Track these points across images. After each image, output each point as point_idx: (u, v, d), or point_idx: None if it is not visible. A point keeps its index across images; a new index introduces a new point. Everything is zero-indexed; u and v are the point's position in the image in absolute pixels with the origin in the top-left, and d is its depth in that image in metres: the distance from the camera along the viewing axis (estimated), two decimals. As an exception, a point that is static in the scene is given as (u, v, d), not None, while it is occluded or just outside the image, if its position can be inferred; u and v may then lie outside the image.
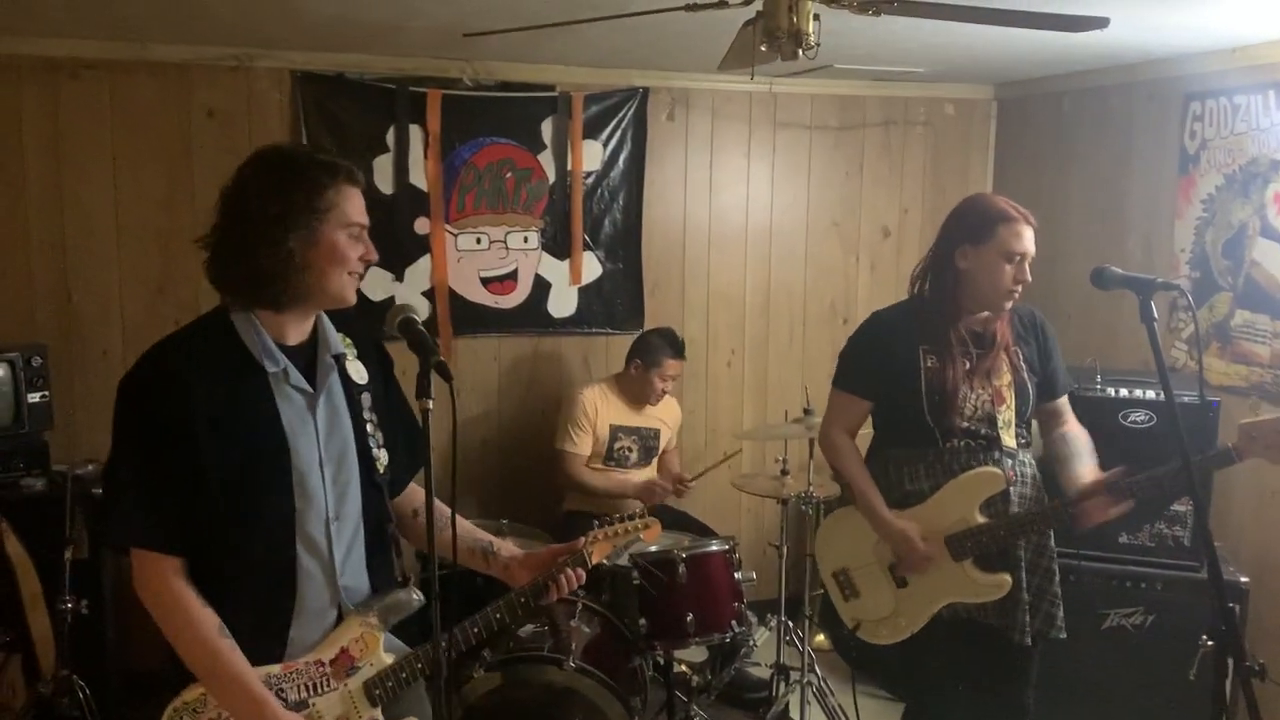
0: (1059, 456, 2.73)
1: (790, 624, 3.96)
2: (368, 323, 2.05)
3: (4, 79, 3.90)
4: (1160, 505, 3.43)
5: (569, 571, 2.06)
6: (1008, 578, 2.62)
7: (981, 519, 2.62)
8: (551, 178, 4.53)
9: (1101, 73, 4.37)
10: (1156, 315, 2.05)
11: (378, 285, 4.29)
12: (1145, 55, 4.00)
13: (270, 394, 1.82)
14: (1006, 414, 2.65)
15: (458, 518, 2.06)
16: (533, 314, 4.60)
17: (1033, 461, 2.76)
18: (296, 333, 1.88)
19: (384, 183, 4.33)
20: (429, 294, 4.42)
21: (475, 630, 2.03)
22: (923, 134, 5.08)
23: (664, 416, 4.37)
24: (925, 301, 2.73)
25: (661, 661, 3.49)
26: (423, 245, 4.41)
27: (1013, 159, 5.05)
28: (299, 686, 1.88)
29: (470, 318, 4.51)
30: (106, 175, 4.08)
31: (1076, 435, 2.76)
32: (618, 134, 4.61)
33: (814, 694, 3.74)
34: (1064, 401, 2.81)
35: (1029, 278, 2.60)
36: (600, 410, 4.24)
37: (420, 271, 4.41)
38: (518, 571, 2.07)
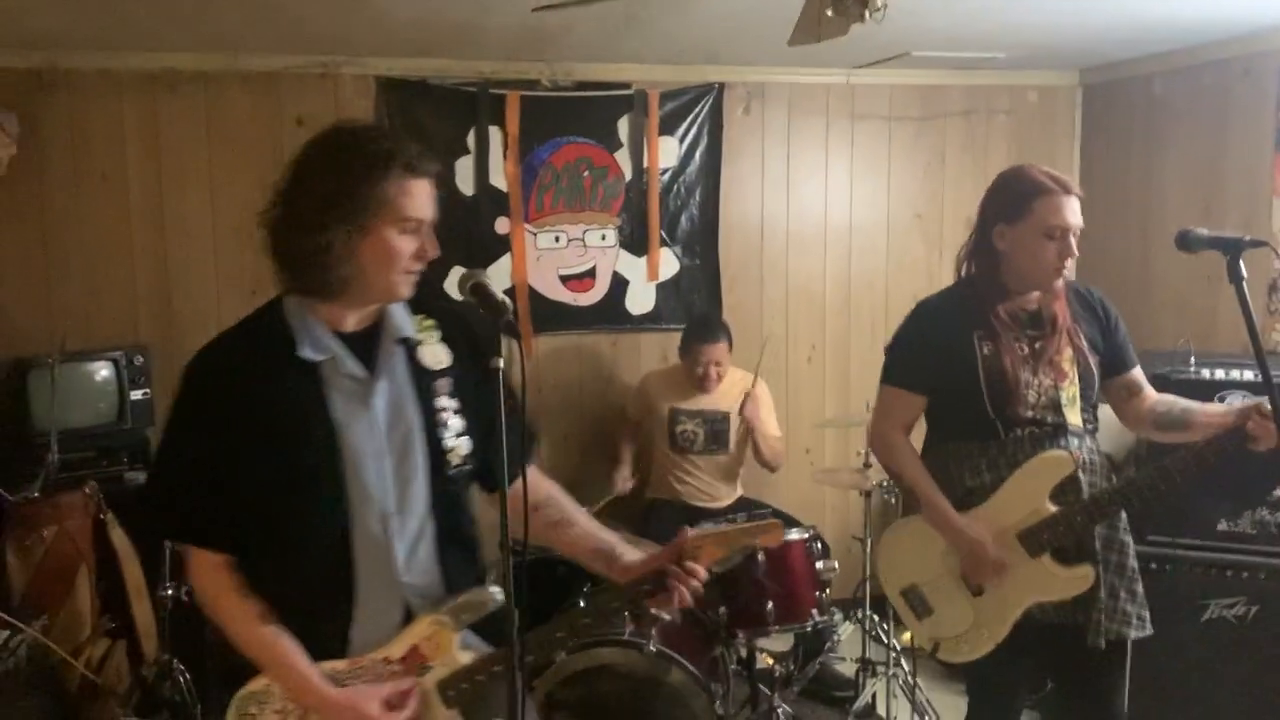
0: (1169, 416, 2.50)
1: (875, 618, 3.90)
2: (463, 305, 1.84)
3: (108, 93, 4.11)
4: (1263, 488, 3.28)
5: (682, 581, 1.79)
6: (1090, 569, 2.40)
7: (1053, 508, 2.41)
8: (628, 175, 4.57)
9: (1190, 52, 4.24)
10: (1246, 275, 1.97)
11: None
12: (1236, 30, 3.87)
13: (318, 384, 1.73)
14: (1070, 390, 2.47)
15: (584, 515, 1.99)
16: (611, 311, 4.64)
17: (1098, 446, 2.56)
18: (356, 318, 1.78)
19: (465, 184, 4.43)
20: (510, 292, 4.49)
21: (559, 635, 1.86)
22: (1005, 123, 4.98)
23: (734, 400, 4.25)
24: (971, 285, 2.55)
25: (744, 653, 3.47)
26: (503, 245, 4.49)
27: (1100, 146, 4.92)
28: (365, 683, 1.77)
29: (550, 315, 4.57)
30: (203, 184, 4.25)
31: (1171, 396, 2.56)
32: (693, 130, 4.63)
33: (901, 687, 3.67)
34: (1139, 372, 2.60)
35: (1075, 251, 2.40)
36: (661, 392, 4.25)
37: (501, 271, 4.48)
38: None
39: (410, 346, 1.81)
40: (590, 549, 1.94)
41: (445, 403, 1.81)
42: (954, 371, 2.47)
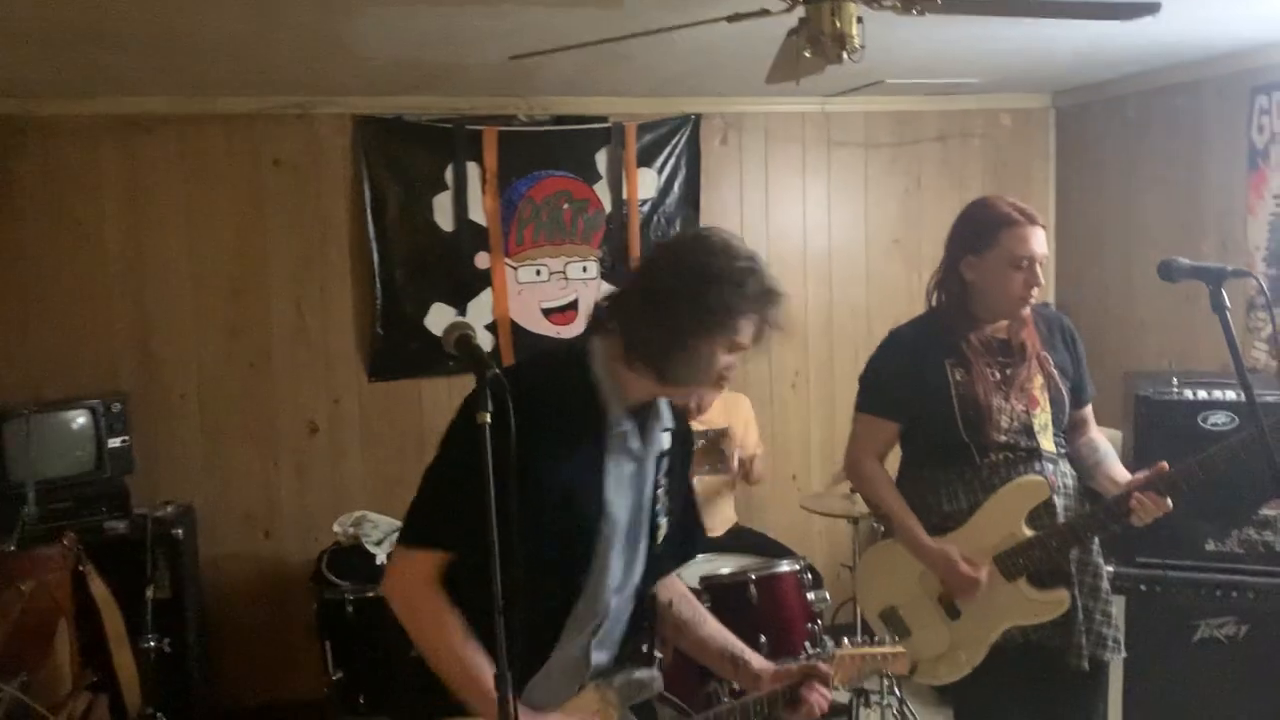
0: (1087, 464, 2.59)
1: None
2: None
3: (82, 137, 4.08)
4: (1247, 506, 3.29)
5: (818, 691, 1.87)
6: (1066, 594, 2.44)
7: (1029, 532, 2.44)
8: (608, 207, 4.58)
9: (1162, 73, 4.29)
10: (1229, 305, 1.98)
11: (440, 320, 4.37)
12: (1208, 51, 3.91)
13: (604, 452, 1.75)
14: (1042, 417, 2.51)
15: (711, 618, 2.00)
16: (595, 343, 4.61)
17: (1072, 471, 2.60)
18: (639, 394, 1.79)
19: (444, 220, 4.42)
20: (491, 327, 4.48)
21: None
22: (981, 146, 5.02)
23: (727, 413, 4.25)
24: (942, 314, 2.59)
25: (738, 686, 3.44)
26: (484, 279, 4.47)
27: (1074, 167, 4.96)
28: None
29: (533, 349, 4.55)
30: (181, 226, 4.22)
31: (1100, 441, 2.64)
32: (671, 161, 4.64)
33: (894, 716, 3.65)
34: (1089, 410, 2.68)
35: (1041, 281, 2.46)
36: None
37: (482, 305, 4.47)
38: (767, 686, 1.91)
39: (665, 429, 1.86)
40: (717, 651, 1.96)
41: (663, 481, 1.86)
42: (927, 398, 2.51)
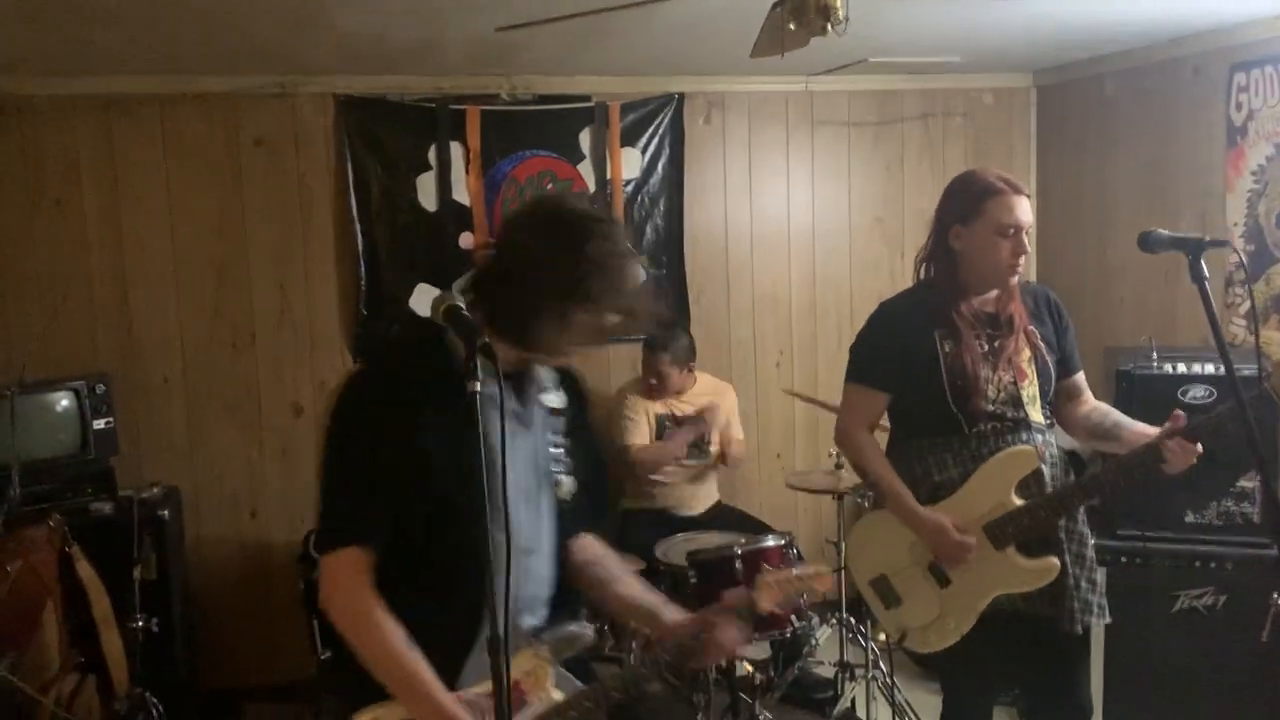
0: (1104, 425, 2.62)
1: (853, 620, 3.92)
2: None
3: (62, 120, 4.05)
4: (1226, 477, 3.34)
5: (721, 632, 1.84)
6: (1055, 560, 2.48)
7: (1018, 501, 2.49)
8: (592, 187, 4.57)
9: (1141, 52, 4.31)
10: (1208, 274, 2.01)
11: (424, 300, 4.35)
12: (1186, 29, 3.94)
13: (480, 416, 1.74)
14: (1030, 389, 2.56)
15: (631, 575, 2.03)
16: (579, 323, 4.62)
17: (1058, 442, 2.65)
18: (512, 360, 1.81)
19: (427, 200, 4.41)
20: (476, 308, 4.47)
21: (616, 695, 1.86)
22: (962, 125, 5.04)
23: (708, 400, 4.33)
24: (930, 286, 2.64)
25: (724, 662, 3.48)
26: (468, 260, 4.44)
27: (1055, 146, 4.99)
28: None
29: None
30: (162, 206, 4.20)
31: (1105, 406, 2.68)
32: (655, 140, 4.64)
33: (880, 689, 3.70)
34: (1082, 377, 2.72)
35: (1027, 249, 2.51)
36: (643, 404, 4.26)
37: (467, 286, 4.46)
38: (671, 636, 1.91)
39: (541, 388, 1.91)
40: (634, 606, 1.99)
41: (559, 441, 1.92)
42: (917, 369, 2.55)
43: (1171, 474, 2.40)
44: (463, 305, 1.69)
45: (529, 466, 1.86)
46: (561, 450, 1.91)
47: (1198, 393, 3.37)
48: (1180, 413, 2.41)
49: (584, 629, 1.89)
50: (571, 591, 1.98)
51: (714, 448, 4.32)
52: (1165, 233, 2.10)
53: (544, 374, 1.92)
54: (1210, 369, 3.37)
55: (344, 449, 1.79)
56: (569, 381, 1.98)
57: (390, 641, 1.74)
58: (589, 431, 2.02)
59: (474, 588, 1.74)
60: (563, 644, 1.87)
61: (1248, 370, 3.22)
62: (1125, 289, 4.41)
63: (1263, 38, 3.77)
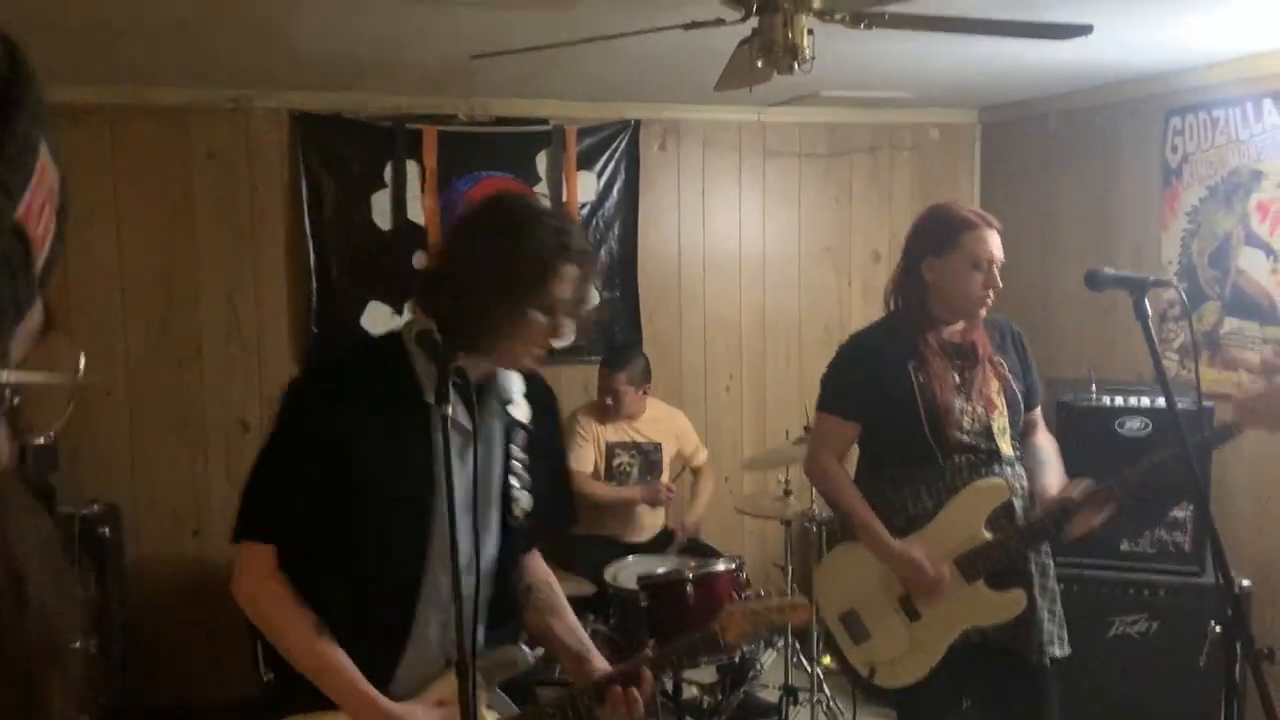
0: (1027, 465, 2.67)
1: (798, 645, 3.97)
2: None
3: (6, 126, 3.96)
4: (1162, 509, 3.46)
5: (629, 692, 1.80)
6: (1022, 594, 2.49)
7: (989, 535, 2.50)
8: (547, 210, 4.59)
9: (1083, 93, 4.47)
10: (1150, 313, 2.09)
11: (378, 319, 4.34)
12: (1126, 74, 4.09)
13: (428, 429, 1.74)
14: (1000, 420, 2.59)
15: (569, 613, 2.00)
16: (532, 344, 4.63)
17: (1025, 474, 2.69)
18: (473, 372, 1.74)
19: (382, 219, 4.39)
20: (429, 327, 4.46)
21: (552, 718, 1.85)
22: (909, 159, 5.16)
23: (663, 428, 4.36)
24: (901, 317, 2.65)
25: (670, 686, 3.50)
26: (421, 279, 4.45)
27: (999, 181, 5.14)
28: None
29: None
30: (109, 218, 4.13)
31: (1044, 444, 2.72)
32: (611, 165, 4.69)
33: (824, 712, 3.74)
34: (1038, 412, 2.77)
35: (999, 283, 2.55)
36: (594, 428, 4.28)
37: (419, 305, 4.45)
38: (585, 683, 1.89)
39: (504, 401, 1.88)
40: (565, 646, 1.96)
41: (520, 455, 1.89)
42: (891, 399, 2.56)
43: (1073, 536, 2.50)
44: (433, 328, 1.70)
45: (474, 479, 1.80)
46: (520, 465, 1.89)
47: (1135, 425, 3.48)
48: (1086, 483, 2.47)
49: (522, 652, 1.87)
50: (513, 613, 1.96)
51: (666, 474, 4.35)
52: (1111, 272, 2.16)
53: (512, 386, 1.89)
54: (1146, 402, 3.50)
55: (276, 446, 1.81)
56: (538, 394, 1.95)
57: (308, 628, 1.75)
58: (556, 446, 2.01)
59: (401, 596, 1.79)
60: (500, 666, 1.84)
61: (1182, 403, 3.36)
62: (1066, 321, 4.55)
63: (1197, 85, 3.93)
